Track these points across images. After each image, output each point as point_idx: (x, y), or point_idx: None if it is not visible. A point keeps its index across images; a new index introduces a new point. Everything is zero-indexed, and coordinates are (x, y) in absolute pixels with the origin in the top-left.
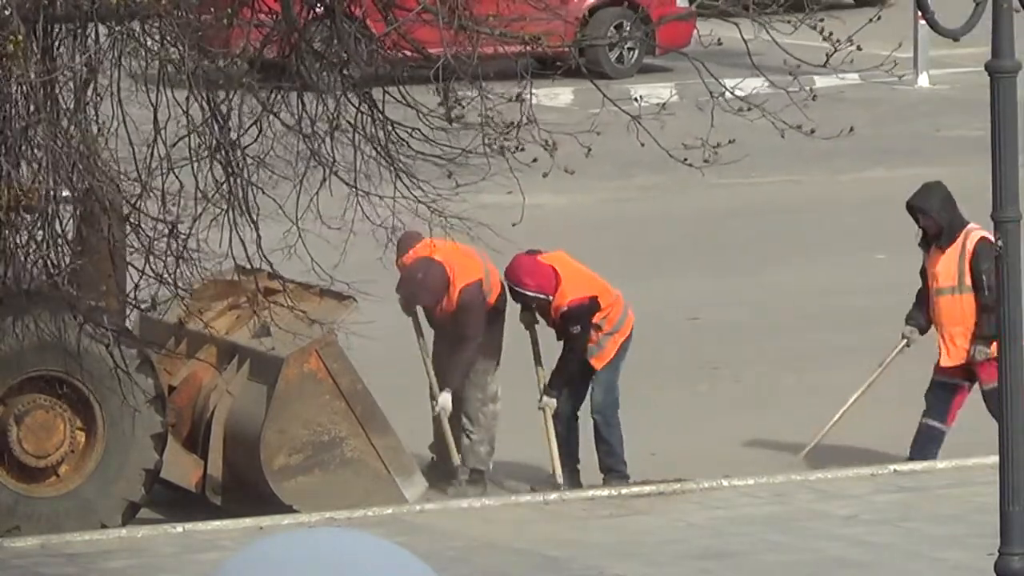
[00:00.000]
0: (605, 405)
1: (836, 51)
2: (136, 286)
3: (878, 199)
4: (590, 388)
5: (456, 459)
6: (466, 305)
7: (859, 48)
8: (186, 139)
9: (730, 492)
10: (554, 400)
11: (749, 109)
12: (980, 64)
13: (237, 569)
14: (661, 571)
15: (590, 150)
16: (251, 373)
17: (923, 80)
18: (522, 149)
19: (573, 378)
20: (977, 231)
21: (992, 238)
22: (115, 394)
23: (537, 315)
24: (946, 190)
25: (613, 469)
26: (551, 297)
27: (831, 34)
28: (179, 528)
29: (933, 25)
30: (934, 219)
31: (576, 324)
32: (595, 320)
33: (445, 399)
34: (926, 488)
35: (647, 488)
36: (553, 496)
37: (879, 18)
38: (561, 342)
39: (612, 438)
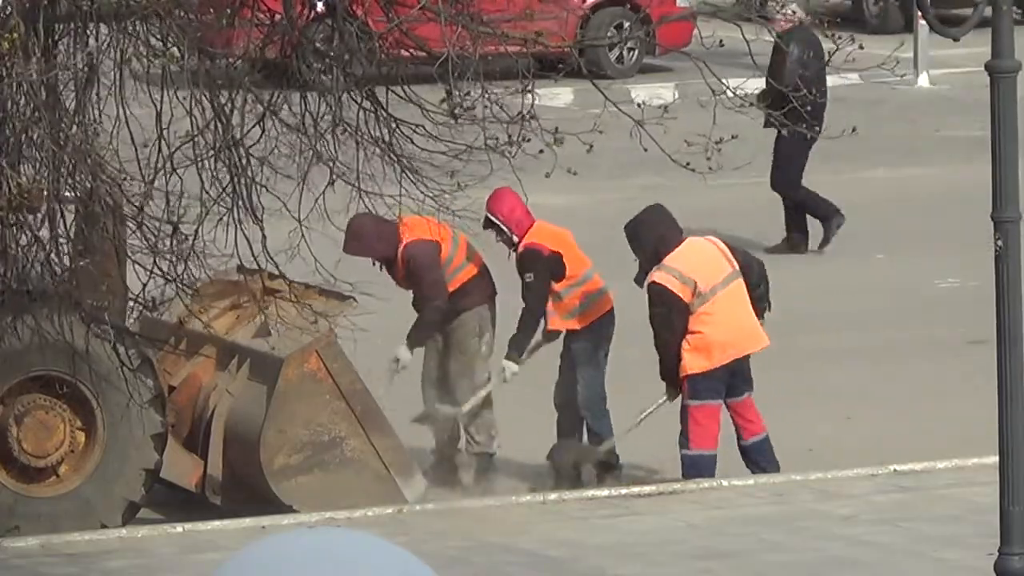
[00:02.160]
0: (590, 399)
1: (838, 49)
2: (144, 286)
3: (878, 199)
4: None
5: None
6: (408, 261)
7: (861, 47)
8: (190, 139)
9: (730, 492)
10: (514, 364)
11: (751, 105)
12: (980, 64)
13: (237, 569)
14: (661, 571)
15: (592, 147)
16: (251, 373)
17: (923, 80)
18: (528, 140)
19: (532, 339)
20: (654, 273)
21: (659, 280)
22: (115, 394)
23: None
24: (653, 219)
25: (606, 461)
26: (514, 236)
27: (833, 33)
28: (179, 528)
29: (933, 25)
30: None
31: (529, 271)
32: (557, 288)
33: (401, 352)
34: (926, 488)
35: (647, 488)
36: (553, 496)
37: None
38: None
39: (602, 429)
